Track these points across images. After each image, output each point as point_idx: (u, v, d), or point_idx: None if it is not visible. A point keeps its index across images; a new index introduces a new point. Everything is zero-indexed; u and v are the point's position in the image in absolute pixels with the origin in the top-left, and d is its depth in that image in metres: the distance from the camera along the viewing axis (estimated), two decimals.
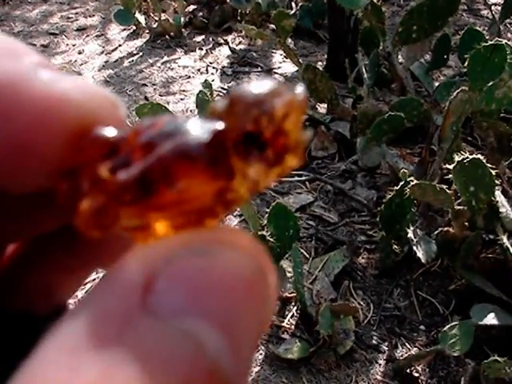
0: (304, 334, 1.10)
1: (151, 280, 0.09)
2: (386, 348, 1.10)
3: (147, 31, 2.27)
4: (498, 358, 0.89)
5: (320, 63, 1.94)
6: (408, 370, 1.05)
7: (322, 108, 1.67)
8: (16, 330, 0.14)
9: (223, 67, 2.03)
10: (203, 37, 2.25)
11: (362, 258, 1.26)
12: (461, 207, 1.07)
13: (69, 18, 2.49)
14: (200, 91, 1.46)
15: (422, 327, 1.13)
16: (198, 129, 0.11)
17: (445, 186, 1.05)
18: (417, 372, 1.05)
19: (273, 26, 2.04)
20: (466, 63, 1.23)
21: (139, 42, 2.24)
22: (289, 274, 1.16)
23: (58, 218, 0.15)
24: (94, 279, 1.02)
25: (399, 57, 1.59)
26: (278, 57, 2.06)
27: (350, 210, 1.38)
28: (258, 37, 1.94)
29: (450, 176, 1.03)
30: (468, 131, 1.43)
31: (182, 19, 2.26)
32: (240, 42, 2.19)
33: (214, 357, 0.09)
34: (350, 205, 1.39)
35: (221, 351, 0.09)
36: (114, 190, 0.11)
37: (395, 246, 1.21)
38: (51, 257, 0.16)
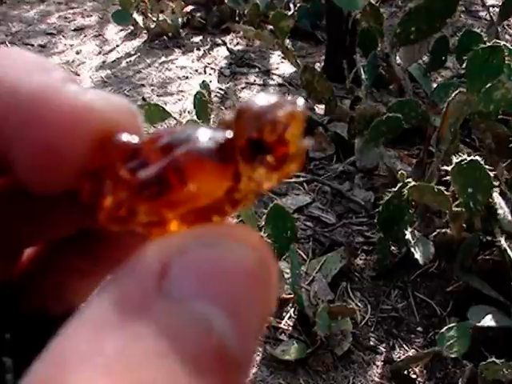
0: (301, 335, 1.10)
1: (166, 268, 0.11)
2: (384, 349, 1.10)
3: (145, 31, 2.27)
4: (495, 360, 0.89)
5: (318, 64, 1.94)
6: (405, 372, 1.05)
7: (320, 109, 1.67)
8: (30, 328, 0.16)
9: (221, 68, 2.03)
10: (201, 37, 2.24)
11: (360, 259, 1.26)
12: (459, 209, 1.07)
13: (66, 17, 2.49)
14: (198, 92, 1.46)
15: (419, 329, 1.13)
16: (209, 136, 0.13)
17: (443, 188, 1.05)
18: (414, 373, 1.05)
19: (271, 26, 2.04)
20: (464, 65, 1.23)
21: (137, 43, 2.24)
22: (286, 276, 1.16)
23: (74, 224, 0.16)
24: None
25: (397, 58, 1.59)
26: (276, 58, 2.06)
27: (348, 211, 1.38)
28: (256, 37, 1.94)
29: (448, 177, 1.03)
30: (466, 133, 1.43)
31: (180, 20, 2.26)
32: (238, 43, 2.19)
33: (221, 337, 0.10)
34: (348, 206, 1.39)
35: (227, 332, 0.10)
36: (134, 188, 0.13)
37: (393, 248, 1.21)
38: (66, 261, 0.17)
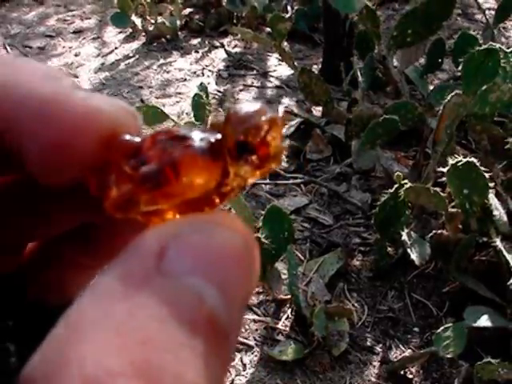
0: (298, 335, 1.11)
1: (164, 250, 0.13)
2: (380, 350, 1.10)
3: (143, 34, 2.28)
4: (491, 360, 0.90)
5: (315, 66, 1.95)
6: (402, 372, 1.06)
7: (317, 111, 1.68)
8: (31, 318, 0.17)
9: (219, 70, 2.04)
10: (199, 40, 2.25)
11: (357, 260, 1.26)
12: (454, 210, 1.08)
13: (65, 20, 2.50)
14: (196, 94, 1.47)
15: (415, 329, 1.14)
16: (201, 137, 0.15)
17: (439, 189, 1.05)
18: (411, 374, 1.06)
19: (268, 29, 2.04)
20: (460, 67, 1.24)
21: (135, 45, 2.25)
22: (284, 276, 1.17)
23: (76, 219, 0.18)
24: None
25: (394, 60, 1.59)
26: (273, 60, 2.07)
27: (345, 212, 1.38)
28: (253, 40, 1.95)
29: (444, 179, 1.03)
30: (462, 134, 1.44)
31: (178, 22, 2.27)
32: (236, 45, 2.20)
33: (212, 307, 0.12)
34: (345, 207, 1.39)
35: (217, 303, 0.12)
36: (135, 181, 0.14)
37: (389, 249, 1.21)
38: (67, 255, 0.19)
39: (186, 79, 1.99)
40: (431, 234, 1.12)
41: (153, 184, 0.14)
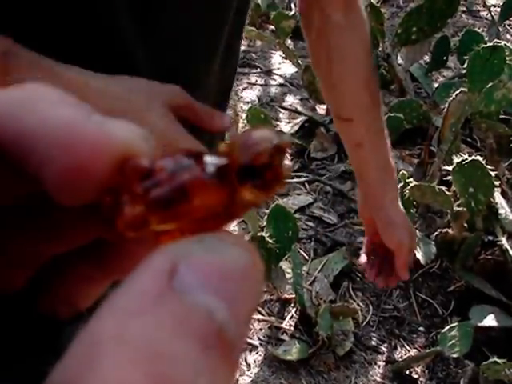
0: (303, 335, 1.10)
1: (175, 267, 0.13)
2: (385, 349, 1.10)
3: None
4: (497, 360, 0.89)
5: None
6: (407, 372, 1.05)
7: (322, 109, 1.67)
8: (41, 331, 0.18)
9: None
10: None
11: None
12: (460, 208, 1.07)
13: None
14: None
15: (421, 328, 1.13)
16: (209, 162, 0.16)
17: (444, 188, 1.05)
18: (416, 373, 1.05)
19: (272, 26, 2.04)
20: (466, 64, 1.23)
21: None
22: (288, 276, 1.16)
23: (89, 236, 0.19)
24: None
25: (398, 58, 1.59)
26: (277, 58, 2.06)
27: (350, 211, 1.38)
28: (257, 38, 1.94)
29: (450, 177, 1.03)
30: (467, 132, 1.43)
31: None
32: None
33: (221, 322, 0.13)
34: (350, 206, 1.39)
35: (226, 318, 0.13)
36: (147, 202, 0.15)
37: None
38: (78, 269, 0.20)
39: None
40: (436, 233, 1.12)
41: (163, 206, 0.15)
